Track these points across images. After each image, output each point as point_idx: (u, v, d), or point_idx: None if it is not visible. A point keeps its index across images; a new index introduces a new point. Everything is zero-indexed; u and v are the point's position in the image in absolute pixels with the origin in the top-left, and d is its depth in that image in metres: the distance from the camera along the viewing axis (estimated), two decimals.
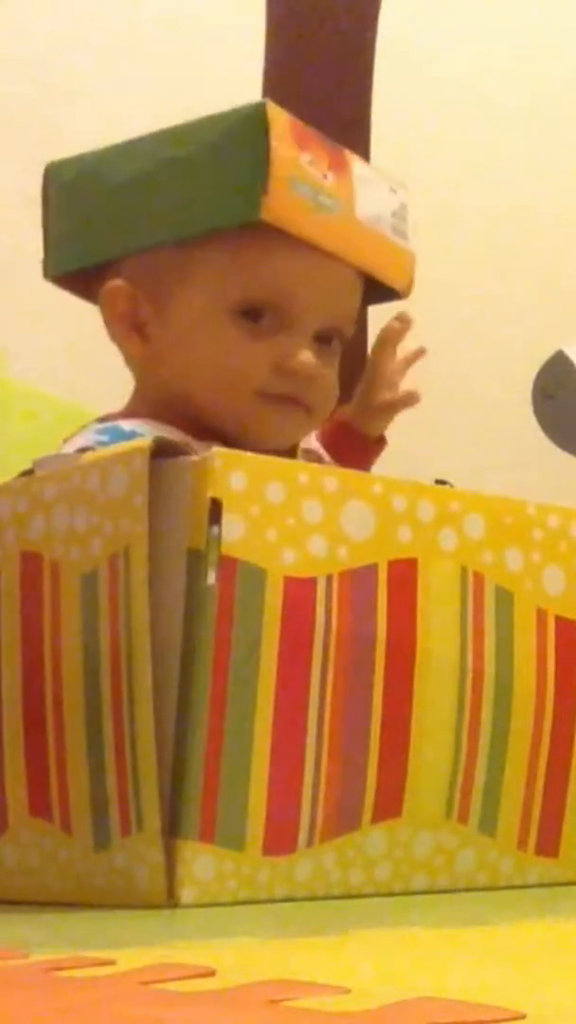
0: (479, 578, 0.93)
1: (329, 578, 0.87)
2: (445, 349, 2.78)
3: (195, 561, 0.83)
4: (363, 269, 1.13)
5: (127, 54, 2.77)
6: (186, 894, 0.82)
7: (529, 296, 2.93)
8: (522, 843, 0.95)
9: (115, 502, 0.86)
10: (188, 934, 0.74)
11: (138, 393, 1.16)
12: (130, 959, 0.59)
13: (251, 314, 1.09)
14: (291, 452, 1.14)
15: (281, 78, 2.01)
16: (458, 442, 2.81)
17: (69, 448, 1.06)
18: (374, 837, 0.89)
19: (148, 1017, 0.47)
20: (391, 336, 1.24)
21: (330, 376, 1.13)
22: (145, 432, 1.02)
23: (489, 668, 0.93)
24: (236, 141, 1.07)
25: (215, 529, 0.83)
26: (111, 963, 0.58)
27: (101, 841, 0.86)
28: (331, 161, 1.10)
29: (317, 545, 0.87)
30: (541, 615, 0.95)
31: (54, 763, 0.90)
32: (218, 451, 0.84)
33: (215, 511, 0.83)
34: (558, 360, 1.58)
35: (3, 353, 2.02)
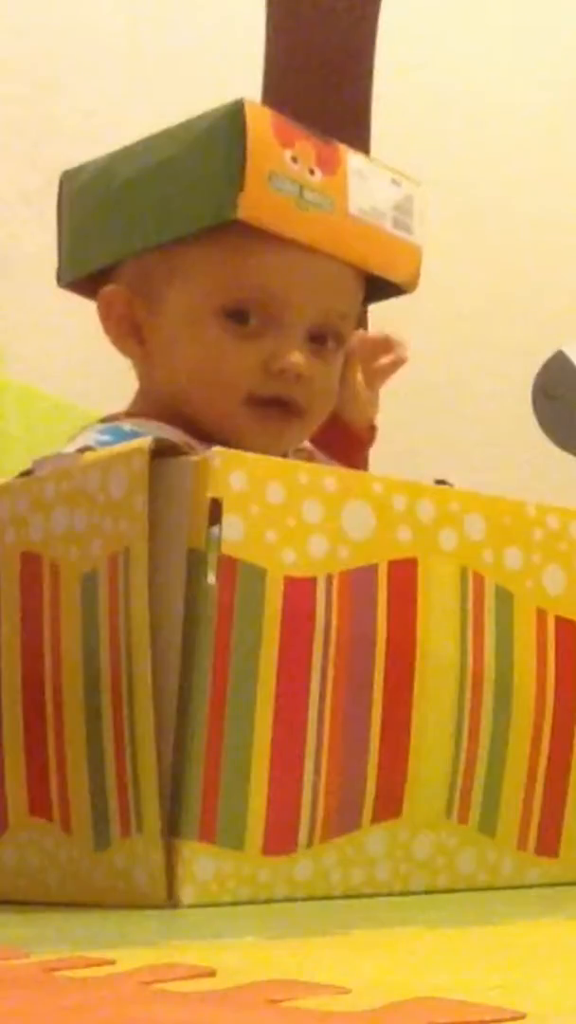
0: (479, 578, 0.93)
1: (329, 578, 0.87)
2: (445, 349, 2.79)
3: (195, 561, 0.83)
4: (357, 265, 1.11)
5: (127, 54, 2.78)
6: (186, 894, 0.82)
7: (529, 296, 2.94)
8: (522, 843, 0.95)
9: (115, 502, 0.86)
10: (188, 934, 0.74)
11: (141, 394, 1.15)
12: (130, 959, 0.59)
13: (237, 315, 1.08)
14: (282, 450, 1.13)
15: (281, 78, 2.01)
16: (458, 442, 2.82)
17: (72, 448, 1.06)
18: (374, 837, 0.89)
19: (148, 1017, 0.47)
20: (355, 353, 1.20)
21: (324, 376, 1.11)
22: (146, 432, 1.02)
23: (489, 668, 0.93)
24: (213, 140, 1.06)
25: (215, 529, 0.83)
26: (111, 963, 0.58)
27: (101, 841, 0.86)
28: (320, 157, 1.09)
29: (317, 545, 0.87)
30: (541, 615, 0.95)
31: (54, 763, 0.90)
32: (218, 451, 0.84)
33: (215, 511, 0.83)
34: (558, 360, 1.58)
35: (3, 353, 2.02)
